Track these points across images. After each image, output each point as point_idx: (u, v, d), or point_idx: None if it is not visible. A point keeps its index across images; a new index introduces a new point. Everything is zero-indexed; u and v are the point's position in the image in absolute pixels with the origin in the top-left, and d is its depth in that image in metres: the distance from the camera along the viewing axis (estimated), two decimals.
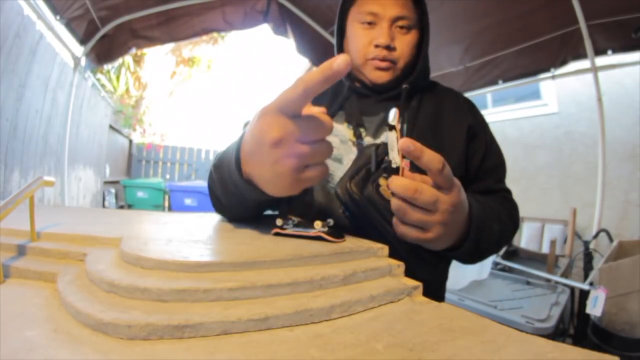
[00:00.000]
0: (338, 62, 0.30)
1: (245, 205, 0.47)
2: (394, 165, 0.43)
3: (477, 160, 0.66)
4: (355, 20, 0.68)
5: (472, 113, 0.70)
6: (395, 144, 0.42)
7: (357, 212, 0.51)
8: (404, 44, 0.65)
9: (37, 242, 0.36)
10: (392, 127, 0.43)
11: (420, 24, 0.68)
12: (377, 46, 0.64)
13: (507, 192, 0.69)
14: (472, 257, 0.57)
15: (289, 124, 0.33)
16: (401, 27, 0.65)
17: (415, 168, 0.41)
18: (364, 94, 0.70)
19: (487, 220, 0.53)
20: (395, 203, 0.42)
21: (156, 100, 7.64)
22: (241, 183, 0.41)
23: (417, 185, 0.40)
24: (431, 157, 0.39)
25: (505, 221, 0.60)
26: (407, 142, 0.38)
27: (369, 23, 0.65)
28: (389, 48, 0.64)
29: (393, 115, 0.42)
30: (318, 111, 0.36)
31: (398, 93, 0.66)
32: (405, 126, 0.64)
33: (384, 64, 0.65)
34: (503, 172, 0.70)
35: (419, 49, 0.68)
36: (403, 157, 0.41)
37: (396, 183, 0.41)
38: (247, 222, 0.50)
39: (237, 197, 0.45)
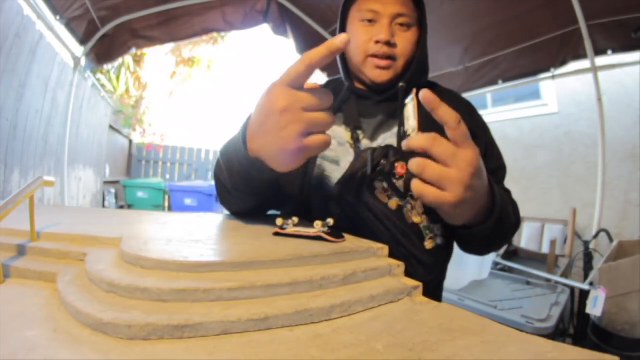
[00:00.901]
0: (340, 39, 0.36)
1: (250, 188, 0.48)
2: (408, 133, 0.43)
3: None
4: (356, 19, 0.68)
5: (471, 116, 0.70)
6: (412, 113, 0.43)
7: (354, 215, 0.51)
8: (405, 40, 0.66)
9: (37, 242, 0.36)
10: (410, 101, 0.43)
11: (420, 23, 0.68)
12: (377, 42, 0.64)
13: (508, 192, 0.69)
14: (489, 240, 0.56)
15: (295, 94, 0.38)
16: (401, 25, 0.65)
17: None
18: (363, 96, 0.70)
19: (506, 204, 0.53)
20: (414, 160, 0.42)
21: (156, 100, 7.64)
22: (247, 159, 0.43)
23: (434, 136, 0.41)
24: (448, 110, 0.40)
25: (514, 214, 0.60)
26: (427, 92, 0.39)
27: (369, 21, 0.66)
28: (389, 44, 0.64)
29: (411, 97, 0.43)
30: (315, 85, 0.40)
31: (396, 93, 0.66)
32: (403, 128, 0.65)
33: (384, 63, 0.65)
34: (503, 174, 0.70)
35: (419, 48, 0.68)
36: (418, 128, 0.42)
37: (414, 139, 0.42)
38: (247, 222, 0.50)
39: (243, 177, 0.46)
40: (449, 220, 0.49)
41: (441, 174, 0.41)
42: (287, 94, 0.38)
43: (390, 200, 0.49)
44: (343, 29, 0.73)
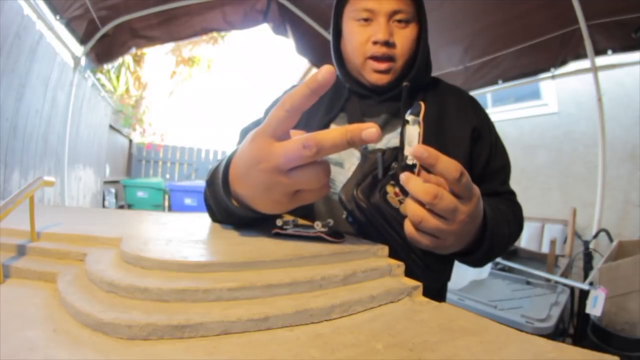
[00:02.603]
0: (322, 73, 0.29)
1: (241, 221, 0.45)
2: (409, 162, 0.40)
3: (482, 163, 0.65)
4: (351, 19, 0.65)
5: (476, 113, 0.68)
6: (416, 139, 0.39)
7: (363, 220, 0.49)
8: (404, 39, 0.62)
9: (37, 242, 0.36)
10: (414, 122, 0.40)
11: (419, 18, 0.65)
12: (375, 43, 0.61)
13: (512, 195, 0.68)
14: (481, 262, 0.57)
15: (273, 151, 0.32)
16: (399, 22, 0.62)
17: None
18: (364, 95, 0.68)
19: (499, 226, 0.52)
20: (412, 208, 0.40)
21: (156, 100, 7.64)
22: (231, 206, 0.40)
23: (437, 190, 0.38)
24: (447, 165, 0.37)
25: (512, 224, 0.60)
26: (420, 148, 0.36)
27: (365, 20, 0.63)
28: (387, 44, 0.61)
29: (418, 110, 0.40)
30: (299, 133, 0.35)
31: (399, 92, 0.64)
32: (404, 128, 0.63)
33: (383, 66, 0.62)
34: (508, 173, 0.69)
35: (419, 44, 0.65)
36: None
37: (415, 185, 0.38)
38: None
39: (231, 215, 0.44)
40: (436, 252, 0.48)
41: (437, 228, 0.40)
42: (266, 149, 0.32)
43: (402, 204, 0.48)
44: (337, 30, 0.69)
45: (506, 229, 0.54)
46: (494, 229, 0.49)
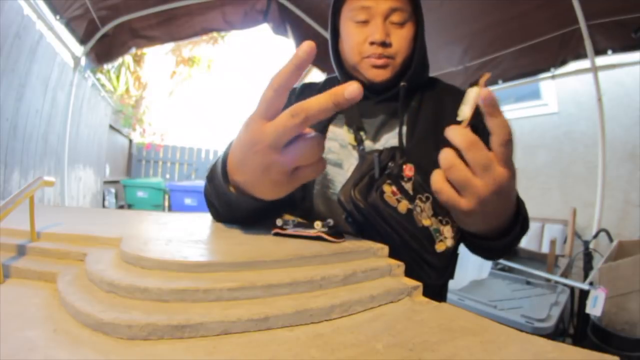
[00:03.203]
0: (303, 48, 0.30)
1: (242, 213, 0.46)
2: (459, 119, 0.40)
3: None
4: (348, 19, 0.65)
5: (476, 111, 0.68)
6: (472, 101, 0.39)
7: (361, 220, 0.49)
8: (400, 38, 0.63)
9: (37, 242, 0.36)
10: (474, 87, 0.40)
11: (416, 17, 0.65)
12: (372, 43, 0.62)
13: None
14: (495, 253, 0.57)
15: (265, 130, 0.33)
16: (396, 21, 0.62)
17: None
18: (363, 96, 0.68)
19: (523, 226, 0.52)
20: (445, 152, 0.39)
21: (156, 100, 7.64)
22: (232, 195, 0.41)
23: (476, 139, 0.37)
24: (502, 123, 0.36)
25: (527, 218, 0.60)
26: (491, 93, 0.36)
27: (363, 21, 0.63)
28: (384, 44, 0.62)
29: (477, 80, 0.40)
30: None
31: (397, 92, 0.64)
32: (404, 128, 0.63)
33: (380, 62, 0.62)
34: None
35: (416, 44, 0.65)
36: (470, 120, 0.39)
37: (455, 130, 0.38)
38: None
39: (233, 206, 0.44)
40: (459, 223, 0.48)
41: (465, 180, 0.39)
42: (259, 131, 0.33)
43: (400, 203, 0.48)
44: (335, 30, 0.70)
45: (522, 232, 0.54)
46: (521, 229, 0.50)
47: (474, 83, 0.40)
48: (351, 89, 0.31)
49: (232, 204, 0.43)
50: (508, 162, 0.39)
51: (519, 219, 0.49)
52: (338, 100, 0.31)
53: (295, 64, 0.31)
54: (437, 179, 0.41)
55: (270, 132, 0.32)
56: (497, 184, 0.39)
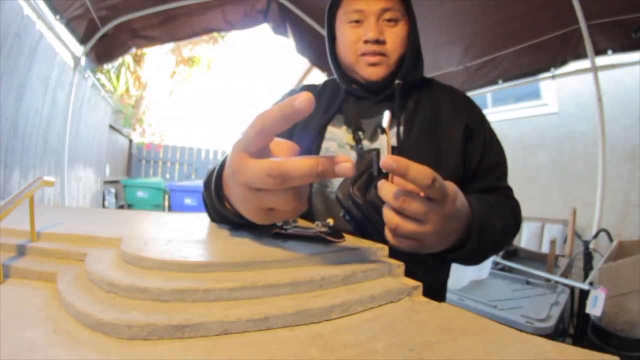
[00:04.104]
0: (300, 100, 0.26)
1: (235, 224, 0.45)
2: (384, 170, 0.40)
3: (476, 160, 0.65)
4: (343, 22, 0.67)
5: (469, 110, 0.69)
6: (385, 148, 0.40)
7: (360, 217, 0.50)
8: (394, 36, 0.65)
9: (37, 242, 0.36)
10: (383, 130, 0.41)
11: (408, 15, 0.67)
12: (366, 41, 0.64)
13: (508, 190, 0.68)
14: (475, 257, 0.56)
15: (244, 166, 0.30)
16: (389, 20, 0.65)
17: None
18: (361, 96, 0.70)
19: (489, 218, 0.52)
20: (386, 214, 0.41)
21: (156, 100, 7.64)
22: (226, 212, 0.41)
23: (405, 195, 0.39)
24: (418, 173, 0.37)
25: (506, 217, 0.59)
26: (389, 160, 0.35)
27: (356, 22, 0.65)
28: (378, 42, 0.64)
29: (386, 118, 0.41)
30: (289, 149, 0.34)
31: (393, 92, 0.66)
32: (401, 128, 0.64)
33: (375, 59, 0.64)
34: (504, 169, 0.69)
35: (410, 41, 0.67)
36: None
37: (385, 189, 0.40)
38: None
39: (226, 219, 0.44)
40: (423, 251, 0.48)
41: (414, 232, 0.41)
42: (239, 163, 0.30)
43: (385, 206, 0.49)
44: (331, 34, 0.72)
45: (498, 221, 0.54)
46: (483, 222, 0.49)
47: (382, 129, 0.41)
48: (344, 166, 0.28)
49: (226, 218, 0.43)
50: (443, 195, 0.40)
51: (474, 220, 0.49)
52: (325, 173, 0.28)
53: (285, 114, 0.27)
54: (389, 238, 0.43)
55: (247, 172, 0.30)
56: (442, 217, 0.41)
